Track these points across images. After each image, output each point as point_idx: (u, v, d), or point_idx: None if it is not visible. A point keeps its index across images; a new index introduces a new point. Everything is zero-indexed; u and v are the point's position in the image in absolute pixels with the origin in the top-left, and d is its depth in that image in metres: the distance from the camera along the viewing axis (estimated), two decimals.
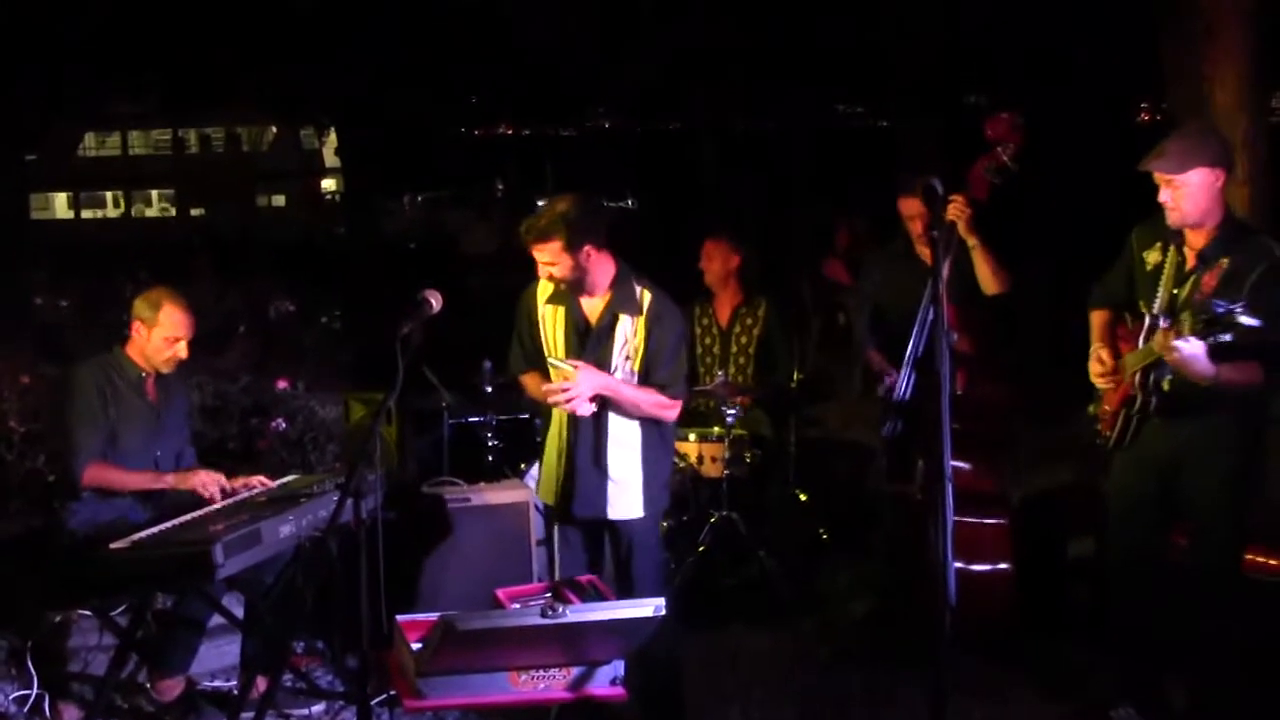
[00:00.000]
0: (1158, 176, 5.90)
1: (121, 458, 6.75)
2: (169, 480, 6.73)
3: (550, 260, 6.00)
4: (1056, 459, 9.99)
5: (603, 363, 6.07)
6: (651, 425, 6.20)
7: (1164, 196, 5.90)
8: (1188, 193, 5.82)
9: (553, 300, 6.23)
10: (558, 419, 6.30)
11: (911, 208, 7.33)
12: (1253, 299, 5.57)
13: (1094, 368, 6.19)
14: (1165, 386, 5.92)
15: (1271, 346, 5.63)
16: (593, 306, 6.16)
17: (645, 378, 6.11)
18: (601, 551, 6.48)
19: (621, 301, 6.11)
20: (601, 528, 6.35)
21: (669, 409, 6.16)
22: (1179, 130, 6.18)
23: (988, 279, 7.16)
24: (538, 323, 6.28)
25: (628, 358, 6.09)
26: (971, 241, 7.08)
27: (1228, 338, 5.39)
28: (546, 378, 6.19)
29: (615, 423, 6.15)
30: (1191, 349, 5.46)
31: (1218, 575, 6.07)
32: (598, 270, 6.07)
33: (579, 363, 6.01)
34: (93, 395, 6.70)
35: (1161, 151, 5.91)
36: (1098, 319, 6.35)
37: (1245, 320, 5.33)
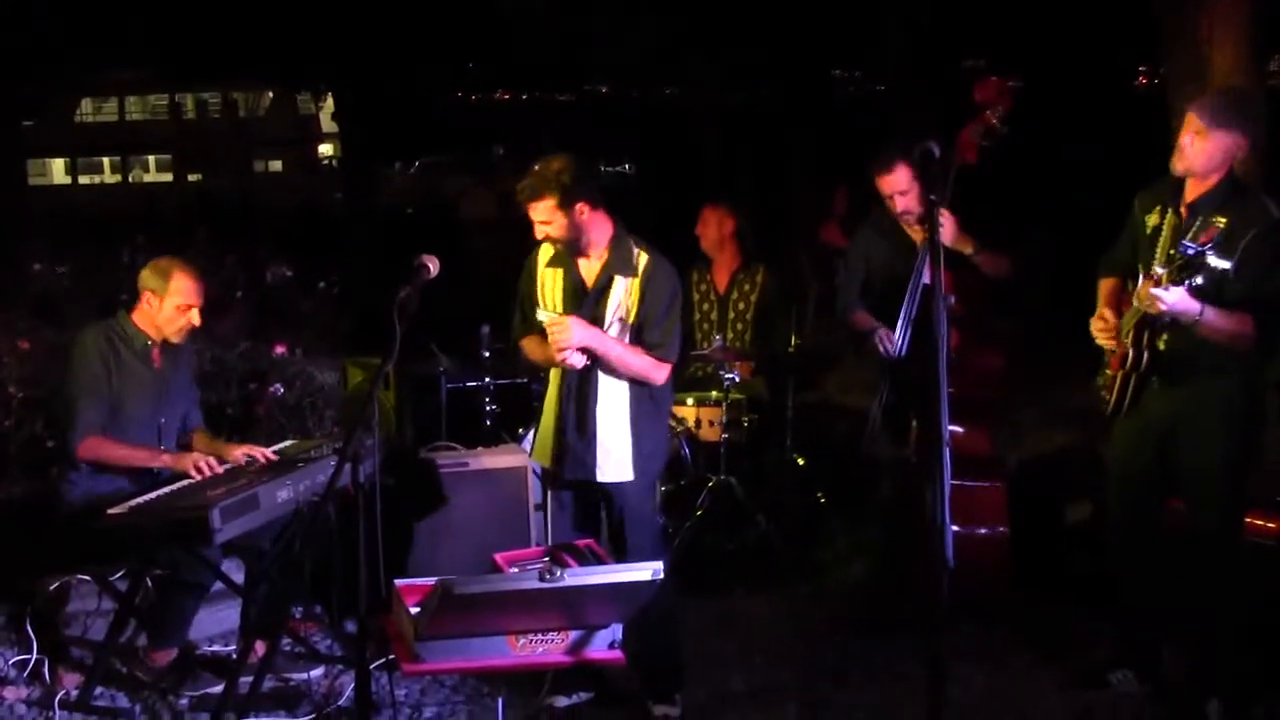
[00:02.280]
0: (1189, 119, 5.87)
1: (126, 425, 6.73)
2: (165, 460, 6.70)
3: (545, 219, 6.02)
4: (1054, 424, 10.01)
5: (597, 323, 6.09)
6: (642, 389, 6.21)
7: (1184, 139, 5.86)
8: (1206, 148, 5.79)
9: (553, 264, 6.26)
10: (555, 383, 6.32)
11: (890, 185, 7.27)
12: (1243, 260, 5.59)
13: (1095, 324, 6.16)
14: (1160, 345, 5.92)
15: (1264, 304, 5.65)
16: (590, 268, 6.18)
17: (637, 338, 6.13)
18: (596, 516, 6.49)
19: (618, 263, 6.13)
20: (594, 492, 6.37)
21: (658, 370, 6.17)
22: (1233, 87, 6.15)
23: (993, 271, 7.16)
24: (537, 286, 6.30)
25: (621, 319, 6.11)
26: (968, 250, 7.06)
27: (1200, 280, 5.43)
28: (545, 340, 6.21)
29: (604, 385, 6.17)
30: (1172, 296, 5.49)
31: (1216, 542, 6.08)
32: (594, 230, 6.09)
33: (567, 316, 6.06)
34: (97, 366, 6.66)
35: (1209, 98, 5.96)
36: (1104, 286, 6.33)
37: (1213, 261, 5.38)
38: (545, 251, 6.30)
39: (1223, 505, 6.08)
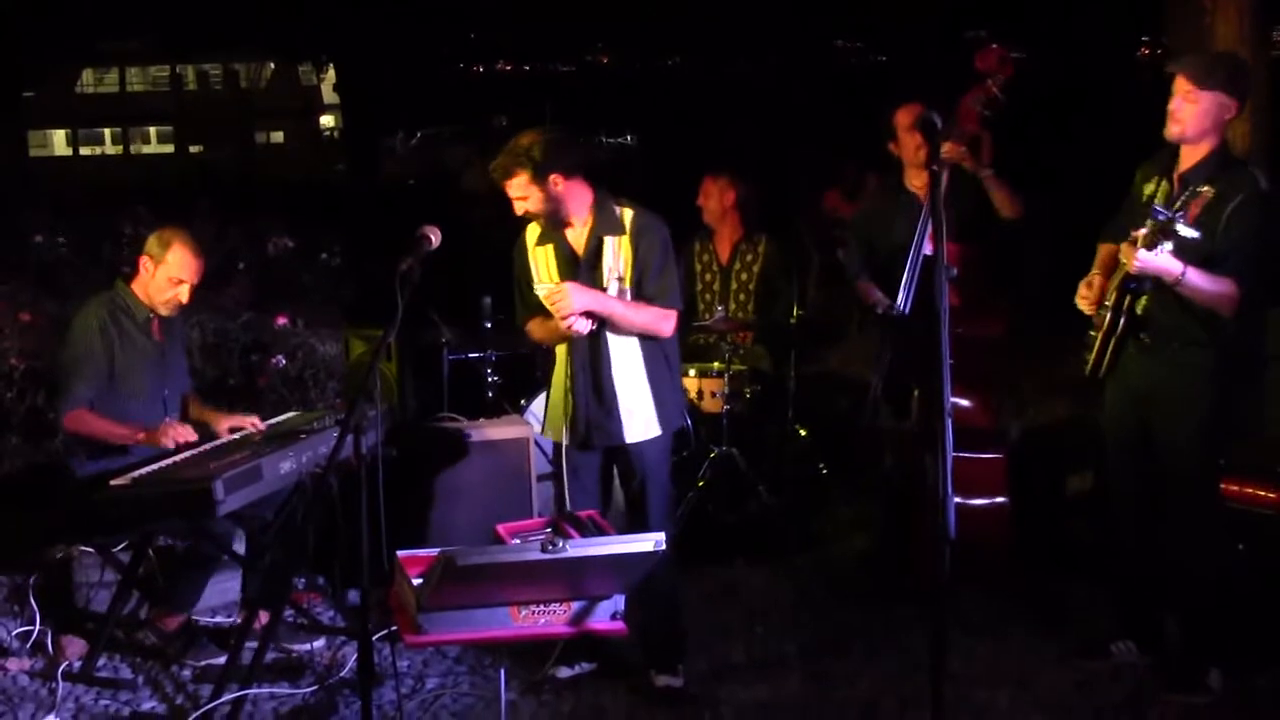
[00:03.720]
0: (1179, 82, 5.88)
1: (130, 399, 6.71)
2: (140, 438, 6.59)
3: (521, 194, 6.06)
4: (1056, 395, 10.00)
5: (595, 287, 6.11)
6: (653, 344, 6.24)
7: (1174, 104, 5.88)
8: (1197, 110, 5.81)
9: (541, 241, 6.27)
10: (562, 356, 6.34)
11: (911, 115, 7.26)
12: (1229, 224, 5.68)
13: (1080, 289, 6.20)
14: (1137, 309, 5.95)
15: (1247, 267, 5.70)
16: (578, 236, 6.20)
17: (637, 292, 6.15)
18: (610, 483, 6.51)
19: (604, 225, 6.15)
20: (614, 456, 6.40)
21: (664, 320, 6.18)
22: (1220, 50, 6.17)
23: (1003, 205, 7.18)
24: (530, 268, 6.31)
25: (619, 278, 6.13)
26: (983, 173, 7.08)
27: (1169, 246, 5.50)
28: (547, 319, 6.21)
29: (615, 345, 6.19)
30: (1146, 256, 5.56)
31: (1191, 512, 6.09)
32: (572, 199, 6.11)
33: (564, 283, 6.08)
34: (95, 340, 6.63)
35: (1195, 59, 5.97)
36: (1102, 251, 6.34)
37: (1181, 229, 5.47)
38: (532, 232, 6.32)
39: (1196, 475, 6.08)
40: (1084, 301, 6.19)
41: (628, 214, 6.18)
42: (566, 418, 6.33)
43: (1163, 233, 5.50)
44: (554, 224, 6.18)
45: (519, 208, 6.12)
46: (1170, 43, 9.08)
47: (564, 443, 6.39)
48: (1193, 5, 8.52)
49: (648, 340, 6.23)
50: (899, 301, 7.20)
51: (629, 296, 6.14)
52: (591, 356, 6.23)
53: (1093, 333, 6.18)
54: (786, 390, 9.13)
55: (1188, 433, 5.99)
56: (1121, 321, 6.01)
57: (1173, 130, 5.90)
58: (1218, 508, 6.32)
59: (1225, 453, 6.25)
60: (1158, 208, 5.59)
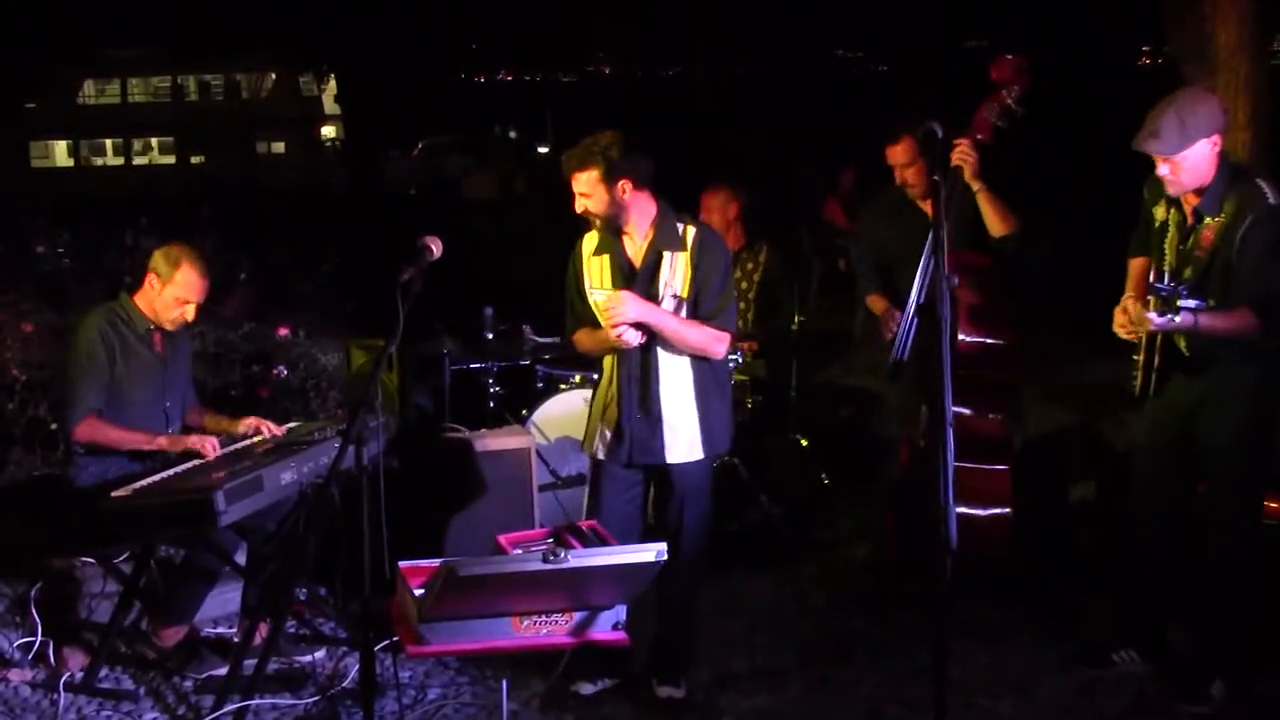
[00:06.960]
0: (1156, 157, 5.85)
1: (130, 409, 6.72)
2: (161, 442, 6.63)
3: (586, 191, 6.00)
4: (1057, 403, 10.01)
5: (651, 301, 6.04)
6: (705, 365, 6.18)
7: (1163, 171, 5.84)
8: (1188, 167, 5.78)
9: (599, 251, 6.20)
10: (609, 369, 6.29)
11: (898, 156, 7.26)
12: (1242, 247, 5.70)
13: (1118, 318, 6.15)
14: (1181, 345, 5.96)
15: (1261, 290, 5.68)
16: (636, 248, 6.14)
17: (693, 311, 6.09)
18: (646, 495, 6.46)
19: (665, 239, 6.09)
20: (653, 477, 6.37)
21: (717, 341, 6.11)
22: (1170, 102, 5.98)
23: (995, 222, 7.12)
24: (584, 276, 6.25)
25: (675, 295, 6.06)
26: (976, 186, 7.04)
27: (1178, 319, 5.52)
28: (596, 330, 6.20)
29: (665, 363, 6.13)
30: (1161, 322, 5.58)
31: (1232, 521, 6.08)
32: (636, 209, 6.05)
33: (620, 291, 6.03)
34: (98, 348, 6.64)
35: (1156, 131, 5.80)
36: (1134, 267, 6.31)
37: (1184, 304, 5.51)
38: (589, 242, 6.26)
39: (1239, 484, 6.08)
40: (1122, 330, 6.13)
41: (690, 231, 6.13)
42: (610, 432, 6.29)
43: (1167, 306, 5.54)
44: (611, 230, 6.11)
45: (579, 205, 6.05)
46: (1173, 50, 9.09)
47: (601, 457, 6.34)
48: (1193, 13, 8.53)
49: (700, 360, 6.16)
50: (896, 348, 7.19)
51: (685, 314, 6.10)
52: (641, 371, 6.16)
53: (1135, 356, 6.18)
54: (788, 399, 9.12)
55: (1230, 439, 5.99)
56: (1159, 360, 6.04)
57: (1173, 190, 5.90)
58: (1260, 519, 6.32)
59: (1269, 464, 6.22)
60: (1157, 285, 5.70)
